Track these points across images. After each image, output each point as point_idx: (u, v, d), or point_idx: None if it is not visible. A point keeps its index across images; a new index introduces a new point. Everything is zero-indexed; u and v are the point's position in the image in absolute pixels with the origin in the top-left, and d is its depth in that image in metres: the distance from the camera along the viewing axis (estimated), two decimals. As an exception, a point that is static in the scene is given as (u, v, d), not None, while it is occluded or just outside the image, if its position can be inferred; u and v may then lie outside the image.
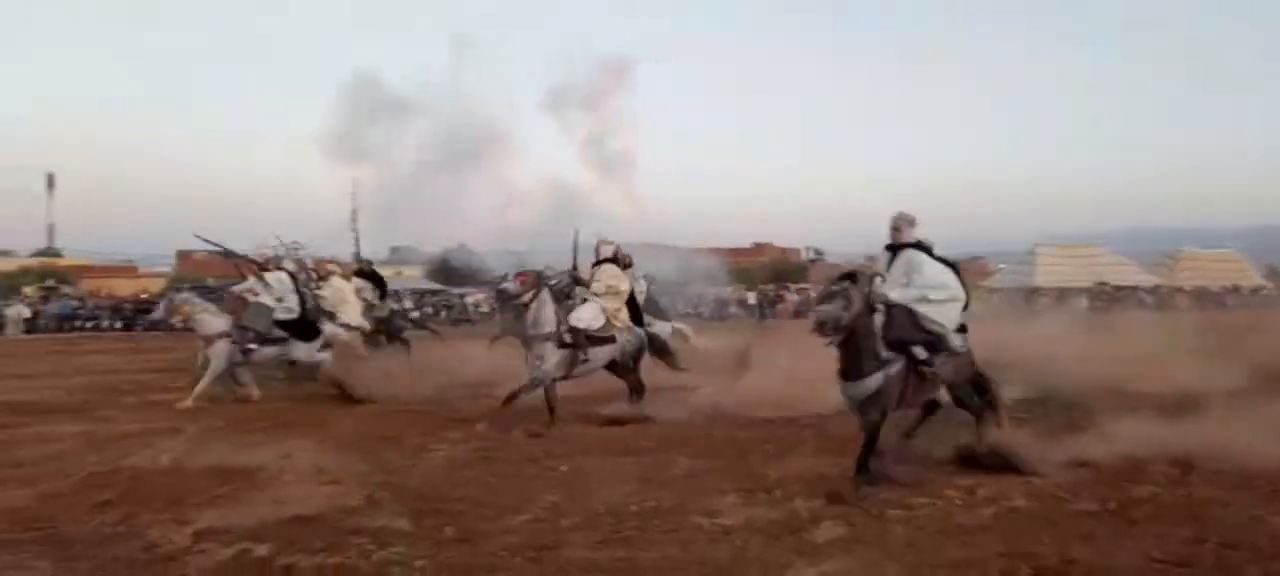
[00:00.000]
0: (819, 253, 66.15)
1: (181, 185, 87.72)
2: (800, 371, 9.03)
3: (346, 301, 12.68)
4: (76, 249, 59.60)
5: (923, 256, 6.36)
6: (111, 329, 31.60)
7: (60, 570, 4.48)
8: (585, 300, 9.43)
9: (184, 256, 66.99)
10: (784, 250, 67.68)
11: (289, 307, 11.37)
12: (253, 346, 10.98)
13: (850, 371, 5.98)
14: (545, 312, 8.91)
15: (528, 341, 8.92)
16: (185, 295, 12.00)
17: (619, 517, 5.44)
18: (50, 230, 51.84)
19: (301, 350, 11.44)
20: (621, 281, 9.61)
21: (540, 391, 8.87)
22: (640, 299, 10.26)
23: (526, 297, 8.92)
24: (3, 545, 4.90)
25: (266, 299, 11.23)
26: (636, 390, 9.56)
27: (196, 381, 10.69)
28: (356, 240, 57.00)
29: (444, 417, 9.38)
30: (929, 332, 6.15)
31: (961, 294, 6.40)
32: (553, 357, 8.87)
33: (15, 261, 55.71)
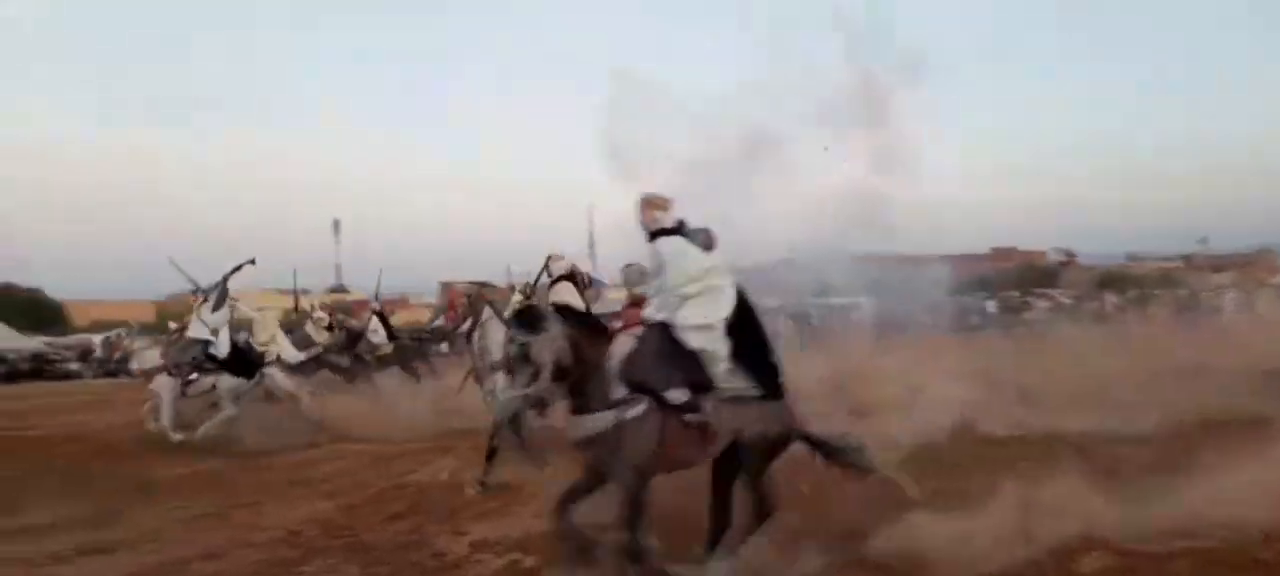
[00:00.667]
0: (1069, 254, 60.76)
1: (444, 222, 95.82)
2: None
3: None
4: (358, 285, 67.20)
5: (675, 245, 4.65)
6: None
7: (366, 573, 5.05)
8: None
9: (446, 288, 73.60)
10: (1028, 254, 62.84)
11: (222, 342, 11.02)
12: (192, 377, 10.87)
13: (577, 404, 4.52)
14: (492, 338, 7.72)
15: (478, 375, 7.86)
16: (119, 332, 13.90)
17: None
18: (337, 269, 59.00)
19: (228, 382, 11.04)
20: (576, 301, 8.09)
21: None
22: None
23: (466, 325, 8.07)
24: (318, 551, 5.60)
25: (200, 333, 10.91)
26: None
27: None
28: (592, 262, 60.00)
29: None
30: (688, 365, 4.50)
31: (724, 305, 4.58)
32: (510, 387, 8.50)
33: (314, 298, 63.79)
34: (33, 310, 43.67)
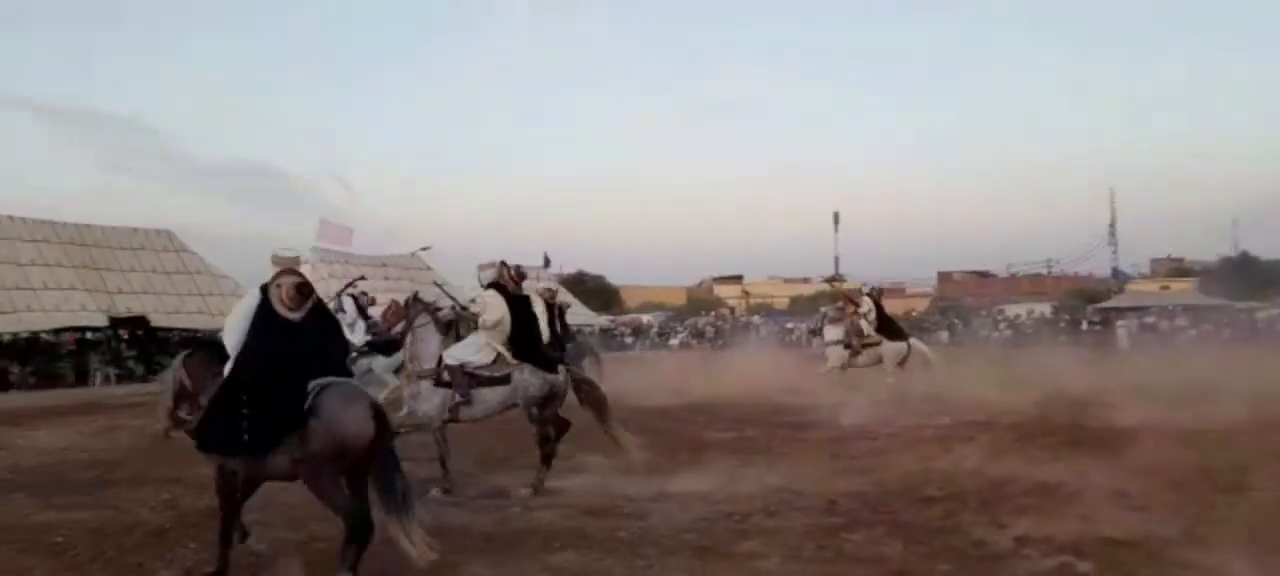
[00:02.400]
0: None
1: (942, 216, 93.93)
2: None
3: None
4: (857, 274, 68.74)
5: None
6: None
7: (909, 553, 5.22)
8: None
9: (944, 278, 71.62)
10: None
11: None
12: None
13: None
14: (425, 346, 7.56)
15: (407, 379, 7.61)
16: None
17: None
18: (836, 261, 61.16)
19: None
20: (495, 311, 7.57)
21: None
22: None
23: (399, 328, 7.66)
24: (858, 523, 5.94)
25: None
26: (544, 446, 7.56)
27: None
28: (1114, 253, 53.53)
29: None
30: None
31: None
32: (432, 398, 7.40)
33: (812, 288, 67.06)
34: (599, 293, 53.20)
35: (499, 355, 7.46)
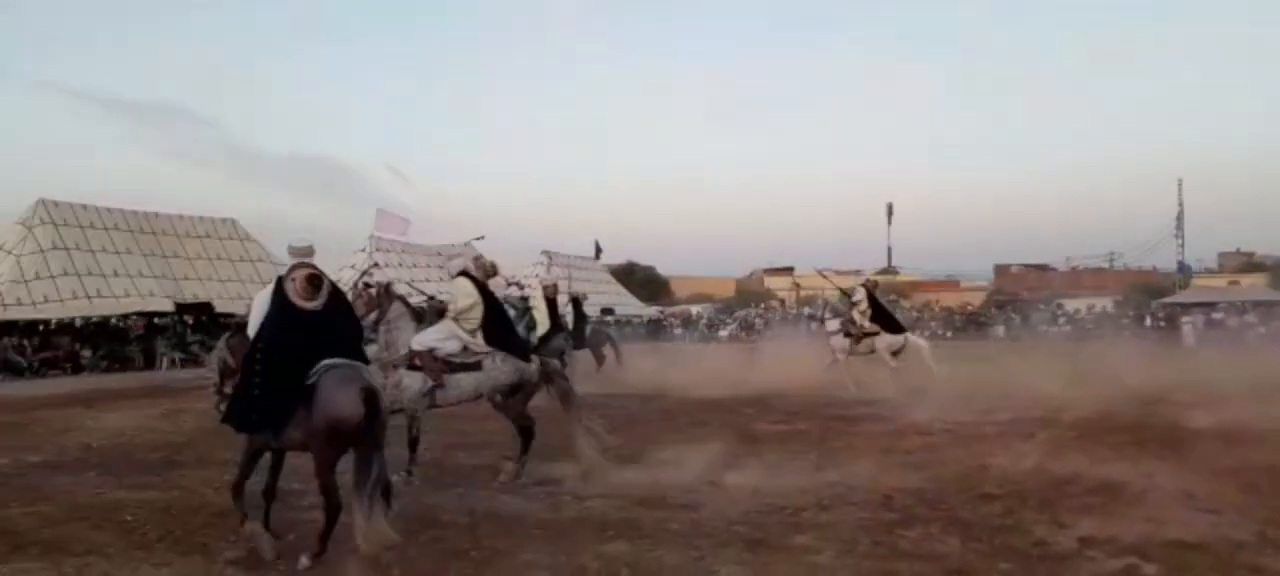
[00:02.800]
0: None
1: (999, 208, 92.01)
2: None
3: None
4: (910, 267, 67.74)
5: None
6: (943, 336, 35.06)
7: (967, 551, 5.12)
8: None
9: (1001, 271, 70.15)
10: None
11: None
12: None
13: None
14: (400, 335, 7.59)
15: (383, 368, 7.39)
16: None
17: None
18: (888, 252, 60.33)
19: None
20: (465, 299, 7.59)
21: None
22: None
23: (372, 316, 7.56)
24: (914, 519, 5.84)
25: None
26: (523, 435, 7.59)
27: None
28: (1180, 246, 51.81)
29: None
30: None
31: None
32: (412, 383, 7.42)
33: (864, 280, 66.23)
34: (649, 284, 53.23)
35: (466, 344, 7.50)
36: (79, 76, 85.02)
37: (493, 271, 8.21)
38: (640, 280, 52.64)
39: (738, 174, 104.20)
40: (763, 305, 50.58)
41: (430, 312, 8.44)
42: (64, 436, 10.29)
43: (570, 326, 17.34)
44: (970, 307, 45.32)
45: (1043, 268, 68.22)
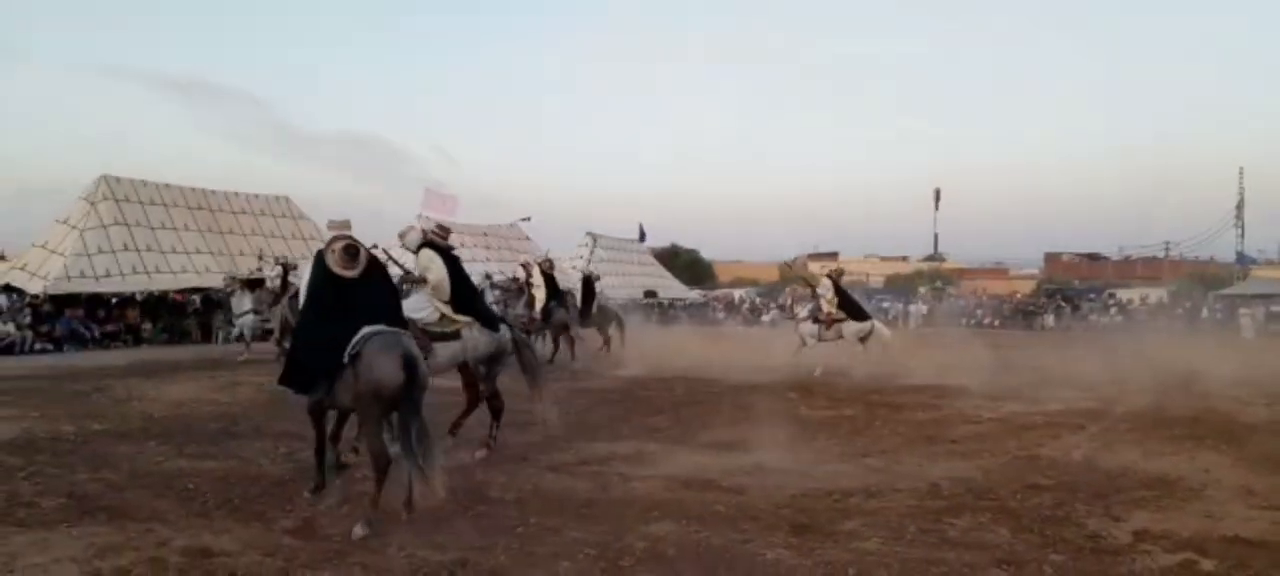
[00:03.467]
0: None
1: (1050, 195, 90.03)
2: None
3: None
4: (957, 254, 66.69)
5: None
6: (991, 325, 34.50)
7: (1017, 541, 5.07)
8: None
9: (1051, 260, 68.73)
10: None
11: None
12: None
13: None
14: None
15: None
16: None
17: None
18: (935, 239, 59.31)
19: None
20: (438, 271, 7.47)
21: None
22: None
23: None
24: (962, 508, 5.79)
25: None
26: (493, 406, 7.63)
27: None
28: (1240, 236, 50.13)
29: None
30: None
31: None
32: None
33: (911, 266, 65.33)
34: (692, 267, 53.12)
35: (443, 313, 7.42)
36: (137, 57, 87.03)
37: (446, 233, 7.94)
38: (684, 263, 52.55)
39: (783, 158, 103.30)
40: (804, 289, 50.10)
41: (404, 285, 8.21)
42: (126, 406, 10.62)
43: (578, 304, 17.97)
44: (1019, 296, 44.45)
45: (1095, 257, 66.71)
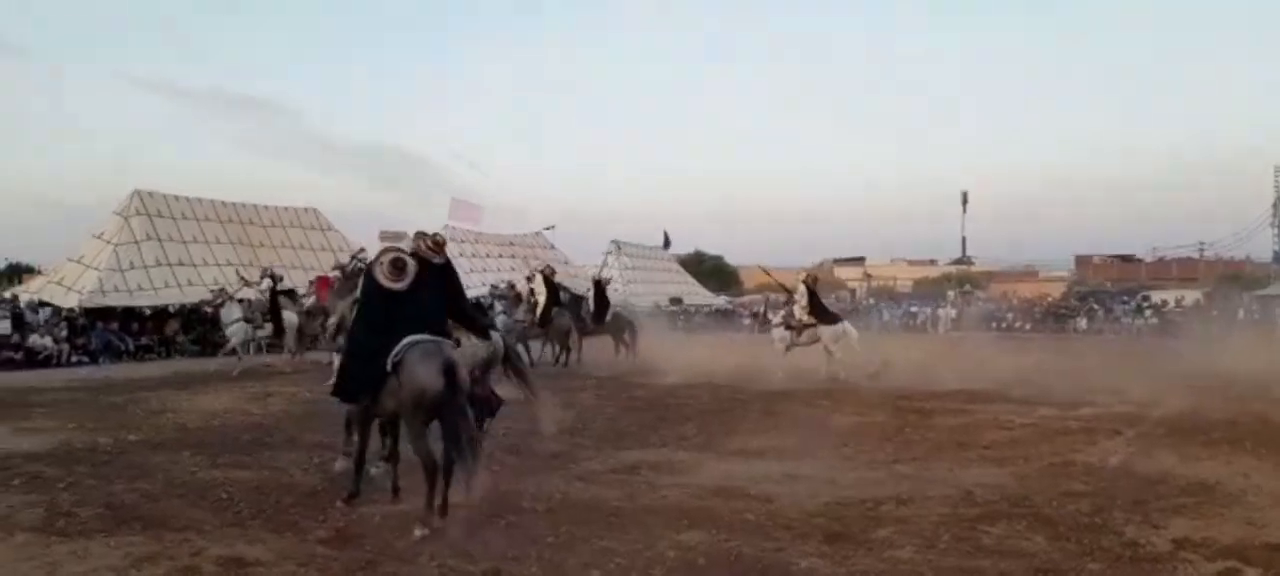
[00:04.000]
0: None
1: (1080, 196, 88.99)
2: None
3: None
4: (985, 257, 65.99)
5: None
6: (1021, 329, 34.09)
7: (1054, 549, 4.99)
8: None
9: (1082, 262, 67.76)
10: None
11: None
12: None
13: None
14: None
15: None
16: None
17: None
18: (963, 242, 58.74)
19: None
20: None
21: None
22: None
23: (345, 302, 7.75)
24: (996, 515, 5.71)
25: None
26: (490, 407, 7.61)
27: None
28: (1277, 236, 49.13)
29: None
30: None
31: None
32: None
33: (939, 269, 64.76)
34: (717, 274, 53.00)
35: None
36: (164, 71, 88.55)
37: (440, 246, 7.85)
38: (708, 270, 52.46)
39: (807, 163, 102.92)
40: (832, 296, 49.90)
41: None
42: (160, 417, 10.77)
43: (592, 309, 18.28)
44: (1049, 299, 43.88)
45: (1127, 258, 65.67)
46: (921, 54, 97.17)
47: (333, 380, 6.47)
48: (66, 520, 5.73)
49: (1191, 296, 40.11)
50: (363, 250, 9.49)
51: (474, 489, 5.29)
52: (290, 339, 17.96)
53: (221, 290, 18.38)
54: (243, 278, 19.11)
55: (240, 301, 17.63)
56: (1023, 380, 13.49)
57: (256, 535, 5.38)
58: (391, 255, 5.84)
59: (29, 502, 6.19)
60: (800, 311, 15.30)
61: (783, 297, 16.69)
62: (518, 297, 18.34)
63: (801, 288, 15.56)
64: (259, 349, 18.76)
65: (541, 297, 17.72)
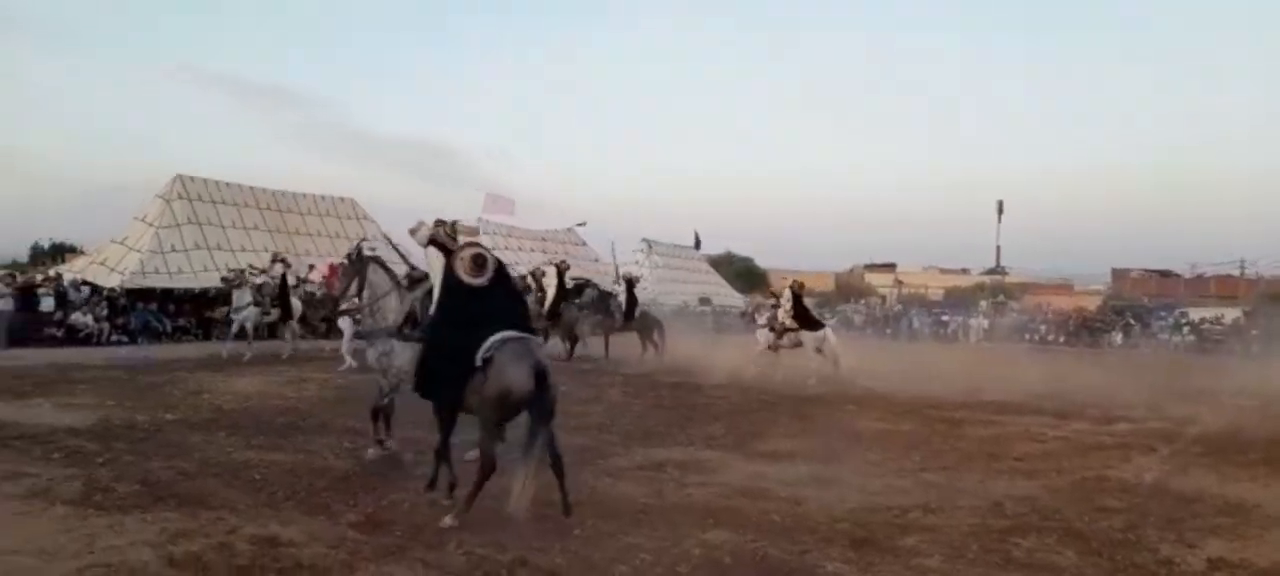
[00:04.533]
0: None
1: (1118, 208, 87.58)
2: None
3: None
4: (1020, 268, 65.07)
5: None
6: (1055, 342, 33.61)
7: (1085, 564, 4.92)
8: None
9: (1119, 275, 66.64)
10: None
11: None
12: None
13: None
14: (386, 302, 7.55)
15: (371, 337, 7.57)
16: None
17: None
18: (997, 251, 57.85)
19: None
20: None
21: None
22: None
23: (352, 289, 7.57)
24: (1027, 528, 5.65)
25: None
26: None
27: None
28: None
29: None
30: None
31: None
32: (402, 354, 7.17)
33: (971, 279, 64.00)
34: (746, 275, 52.87)
35: None
36: (207, 61, 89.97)
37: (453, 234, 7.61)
38: (737, 270, 52.33)
39: (839, 166, 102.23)
40: (862, 301, 49.56)
41: (407, 282, 8.05)
42: (196, 398, 10.97)
43: (623, 307, 18.39)
44: (1085, 312, 43.20)
45: (1165, 273, 64.45)
46: (961, 59, 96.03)
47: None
48: (104, 494, 5.85)
49: (1231, 314, 39.29)
50: (364, 240, 9.56)
51: (524, 494, 5.07)
52: (293, 326, 18.14)
53: (240, 272, 18.60)
54: (253, 267, 19.26)
55: (255, 287, 17.84)
56: (1055, 393, 13.31)
57: (289, 516, 5.47)
58: (472, 251, 5.78)
59: (68, 476, 6.34)
60: (784, 315, 15.82)
61: (770, 301, 17.21)
62: (526, 288, 18.39)
63: (787, 292, 16.12)
64: (270, 333, 18.95)
65: (551, 290, 17.82)
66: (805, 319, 15.80)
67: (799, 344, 15.54)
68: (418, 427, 7.49)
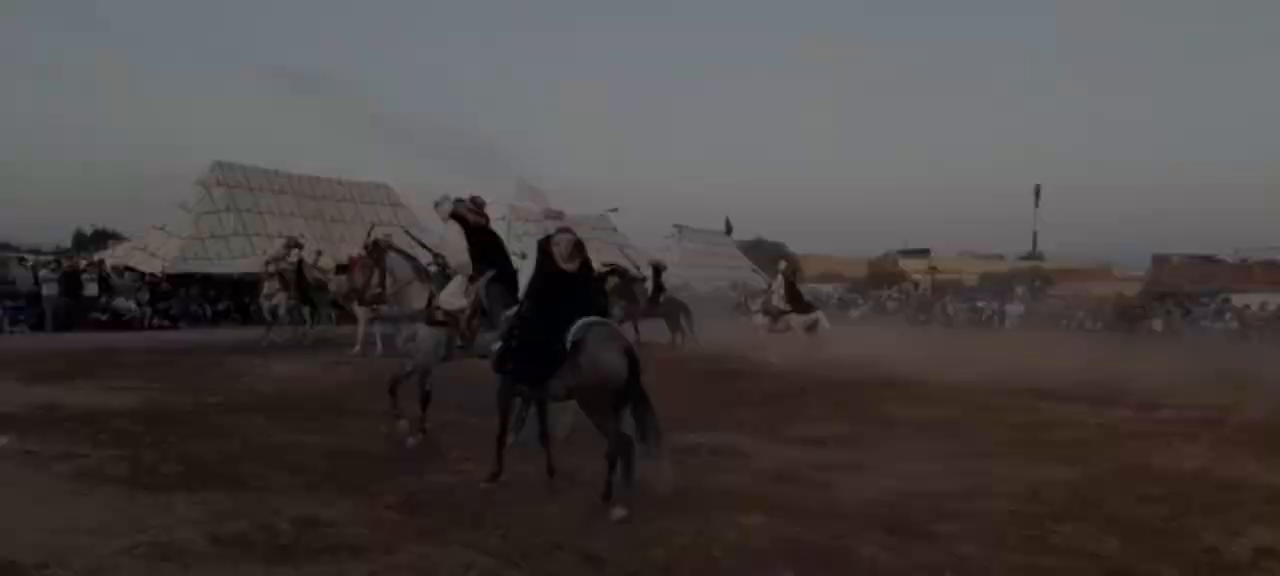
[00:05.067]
0: None
1: (1159, 192, 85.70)
2: None
3: None
4: (1057, 253, 63.94)
5: None
6: (1092, 328, 33.06)
7: (1128, 552, 4.83)
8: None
9: (1160, 261, 65.31)
10: None
11: None
12: None
13: None
14: (409, 287, 7.69)
15: (397, 321, 7.74)
16: None
17: None
18: (1033, 236, 56.88)
19: None
20: (459, 251, 7.43)
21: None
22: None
23: (376, 278, 7.58)
24: (1066, 515, 5.57)
25: None
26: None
27: None
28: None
29: None
30: None
31: None
32: (428, 339, 7.36)
33: (1007, 265, 63.08)
34: (778, 261, 52.49)
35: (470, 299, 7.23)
36: (244, 51, 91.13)
37: (481, 206, 7.70)
38: (768, 256, 52.08)
39: (875, 151, 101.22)
40: (896, 287, 49.11)
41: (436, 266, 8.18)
42: (236, 381, 11.18)
43: (650, 292, 18.70)
44: (1124, 298, 42.41)
45: (1208, 259, 63.01)
46: (996, 43, 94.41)
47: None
48: (150, 475, 6.01)
49: (1276, 301, 38.35)
50: (375, 226, 9.73)
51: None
52: (307, 312, 18.31)
53: (273, 259, 18.84)
54: (270, 255, 19.40)
55: (280, 275, 18.04)
56: (1094, 380, 13.11)
57: (327, 498, 5.56)
58: (570, 238, 5.74)
59: (116, 457, 6.51)
60: (778, 300, 16.44)
61: (764, 286, 17.96)
62: None
63: (780, 277, 16.81)
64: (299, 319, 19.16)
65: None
66: (798, 302, 16.51)
67: (790, 328, 16.23)
68: (457, 411, 7.58)
